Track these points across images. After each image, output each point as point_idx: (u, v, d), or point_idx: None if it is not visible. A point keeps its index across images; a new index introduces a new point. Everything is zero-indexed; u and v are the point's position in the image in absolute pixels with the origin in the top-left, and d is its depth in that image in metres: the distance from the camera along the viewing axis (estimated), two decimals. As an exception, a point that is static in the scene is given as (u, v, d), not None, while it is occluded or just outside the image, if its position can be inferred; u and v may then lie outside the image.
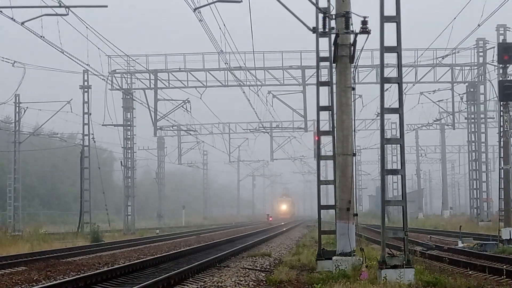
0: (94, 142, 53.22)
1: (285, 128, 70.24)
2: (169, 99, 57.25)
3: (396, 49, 16.79)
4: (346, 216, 19.86)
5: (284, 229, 63.73)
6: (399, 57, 16.81)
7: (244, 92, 49.30)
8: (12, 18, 30.69)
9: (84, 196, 52.39)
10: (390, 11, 16.63)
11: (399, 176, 17.21)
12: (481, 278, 18.52)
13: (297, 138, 79.75)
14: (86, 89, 52.48)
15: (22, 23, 31.68)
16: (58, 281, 17.41)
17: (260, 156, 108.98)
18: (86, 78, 52.19)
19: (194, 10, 24.94)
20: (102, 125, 53.45)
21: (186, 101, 57.72)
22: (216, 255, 26.00)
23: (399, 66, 16.90)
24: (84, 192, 52.39)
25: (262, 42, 55.68)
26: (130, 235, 52.66)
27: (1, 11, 30.48)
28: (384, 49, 16.66)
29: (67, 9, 31.17)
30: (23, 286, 18.01)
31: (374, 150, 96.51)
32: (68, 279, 17.96)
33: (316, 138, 22.33)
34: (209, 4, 23.36)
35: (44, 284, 17.64)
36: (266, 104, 56.45)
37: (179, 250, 30.09)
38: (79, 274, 19.86)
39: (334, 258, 19.41)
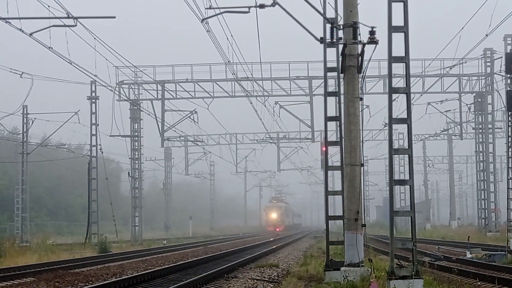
0: (102, 153, 53.27)
1: (292, 139, 70.21)
2: (176, 110, 57.31)
3: (404, 59, 16.78)
4: (354, 226, 19.82)
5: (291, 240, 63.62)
6: (407, 67, 16.79)
7: (251, 103, 49.36)
8: (20, 29, 30.80)
9: (92, 207, 52.41)
10: (398, 21, 16.63)
11: (407, 187, 17.16)
12: (490, 289, 18.45)
13: (304, 148, 79.73)
14: (93, 100, 52.55)
15: (31, 34, 31.78)
16: (66, 292, 17.41)
17: (267, 166, 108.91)
18: (93, 89, 52.27)
19: (202, 21, 25.00)
20: (110, 135, 53.55)
21: (193, 112, 57.74)
22: (224, 266, 25.96)
23: (407, 76, 16.88)
24: (91, 202, 52.42)
25: (269, 52, 55.78)
26: (137, 245, 52.65)
27: (9, 22, 30.59)
28: (392, 59, 16.65)
29: (75, 20, 31.26)
30: (31, 297, 18.02)
31: (381, 161, 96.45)
32: (76, 290, 17.96)
33: (324, 149, 22.30)
34: (216, 15, 23.39)
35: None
36: (273, 114, 56.48)
37: (187, 261, 30.07)
38: (87, 285, 19.85)
39: (342, 268, 19.36)
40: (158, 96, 55.74)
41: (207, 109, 55.23)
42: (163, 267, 26.35)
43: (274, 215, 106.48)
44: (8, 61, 53.90)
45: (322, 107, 21.15)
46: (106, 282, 20.02)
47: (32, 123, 58.13)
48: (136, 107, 56.13)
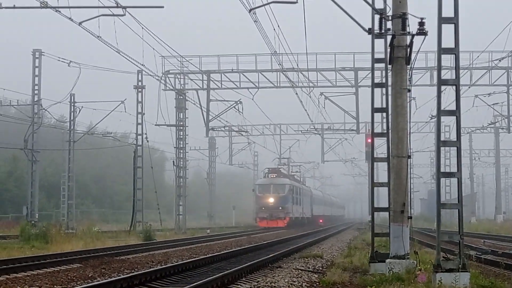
0: (147, 141, 53.75)
1: (336, 130, 70.00)
2: (221, 100, 57.51)
3: (454, 51, 16.59)
4: (400, 218, 19.73)
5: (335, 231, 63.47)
6: (456, 59, 16.59)
7: (296, 93, 49.31)
8: (70, 18, 31.20)
9: (137, 195, 52.92)
10: (447, 12, 16.45)
11: (453, 180, 16.97)
12: (538, 284, 18.20)
13: (348, 140, 79.43)
14: (140, 89, 53.02)
15: (80, 23, 32.18)
16: (114, 278, 17.61)
17: (311, 157, 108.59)
18: (140, 78, 52.74)
19: (250, 11, 25.04)
20: (155, 125, 53.92)
21: (238, 102, 57.88)
22: (268, 256, 26.01)
23: (457, 68, 16.70)
24: (136, 191, 52.92)
25: (315, 43, 55.51)
26: (181, 234, 53.01)
27: (59, 11, 30.99)
28: (441, 51, 16.48)
29: (123, 9, 31.55)
30: (78, 282, 18.25)
31: (426, 153, 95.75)
32: (122, 276, 18.15)
33: (369, 140, 22.23)
34: (264, 5, 23.43)
35: (100, 281, 17.88)
36: (318, 105, 56.33)
37: (231, 250, 30.19)
38: (133, 272, 20.07)
39: (387, 260, 19.29)
40: (203, 86, 55.94)
41: (252, 99, 55.34)
42: (207, 255, 26.50)
43: (271, 200, 64.67)
44: (57, 49, 54.55)
45: (367, 98, 21.08)
46: (152, 269, 20.19)
47: (79, 111, 58.87)
48: (181, 97, 56.43)
